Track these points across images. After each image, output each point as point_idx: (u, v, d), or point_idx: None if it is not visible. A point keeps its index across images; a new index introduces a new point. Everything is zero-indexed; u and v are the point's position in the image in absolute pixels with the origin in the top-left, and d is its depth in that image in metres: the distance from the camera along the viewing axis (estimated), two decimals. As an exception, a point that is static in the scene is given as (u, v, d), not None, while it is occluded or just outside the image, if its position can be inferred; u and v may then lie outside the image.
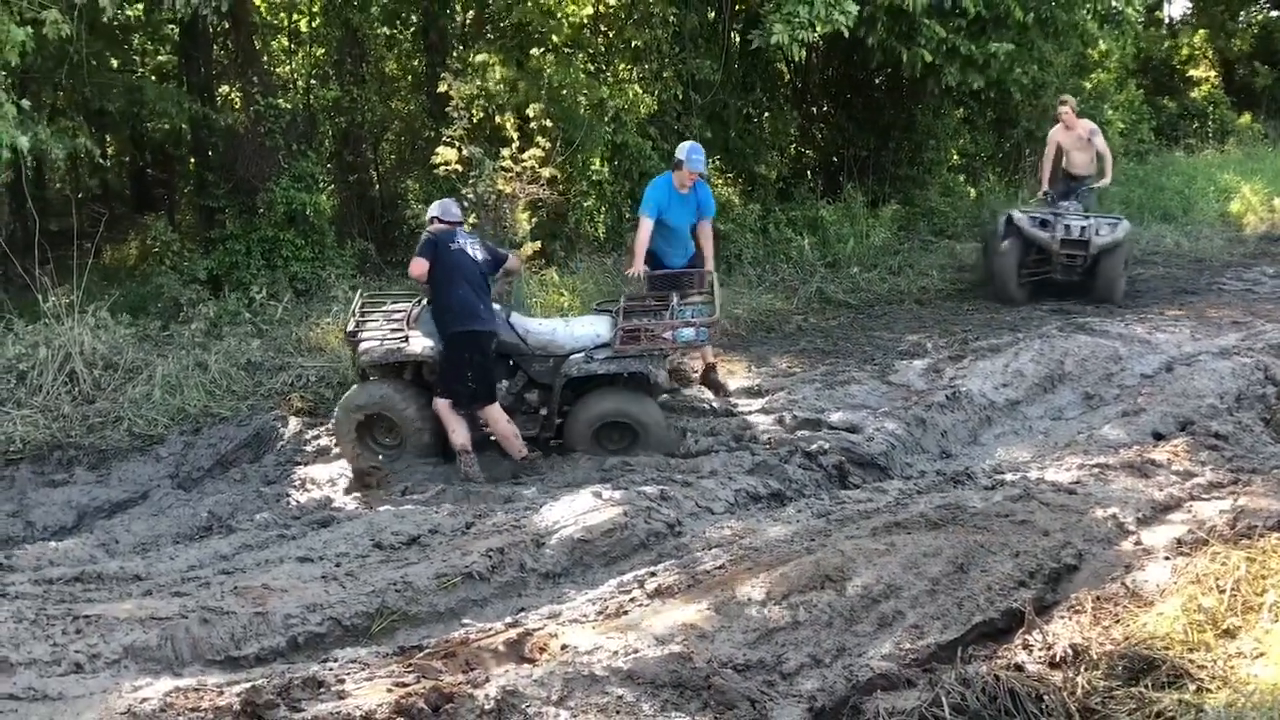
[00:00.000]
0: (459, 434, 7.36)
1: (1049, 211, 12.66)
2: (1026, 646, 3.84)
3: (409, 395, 7.63)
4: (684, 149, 8.97)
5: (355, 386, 7.93)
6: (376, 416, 7.72)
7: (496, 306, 7.70)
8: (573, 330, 7.75)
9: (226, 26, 14.48)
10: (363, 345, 7.72)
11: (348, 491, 7.30)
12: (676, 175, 8.94)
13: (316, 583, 5.15)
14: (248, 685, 3.86)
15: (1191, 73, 27.55)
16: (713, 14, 15.87)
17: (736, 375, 9.83)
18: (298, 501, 7.12)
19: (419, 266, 7.36)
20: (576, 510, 5.93)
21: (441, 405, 7.37)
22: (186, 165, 16.00)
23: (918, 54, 13.51)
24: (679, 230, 9.13)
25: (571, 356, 7.54)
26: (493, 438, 7.60)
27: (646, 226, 8.88)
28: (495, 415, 7.43)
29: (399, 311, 7.92)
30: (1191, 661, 3.46)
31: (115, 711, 3.72)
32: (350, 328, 7.94)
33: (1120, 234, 12.40)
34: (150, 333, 10.34)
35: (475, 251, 7.51)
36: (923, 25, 13.29)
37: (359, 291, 8.72)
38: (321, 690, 3.82)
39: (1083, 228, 12.32)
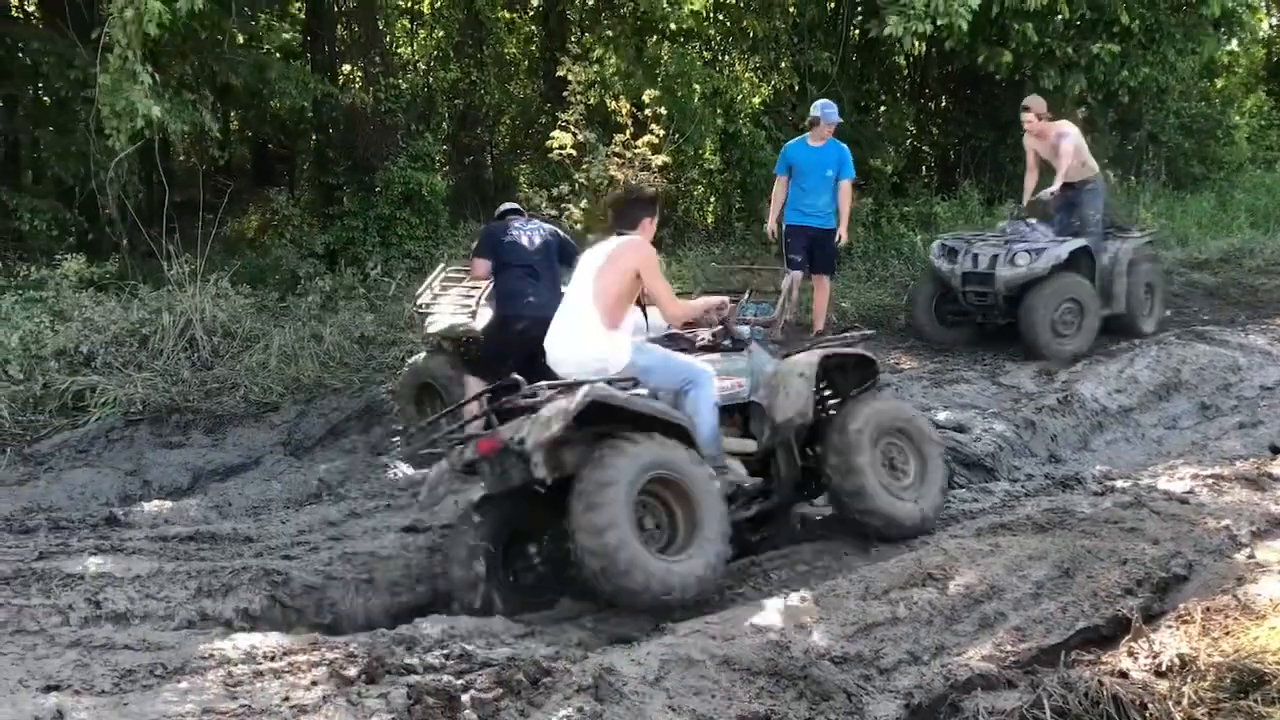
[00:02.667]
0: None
1: (969, 236, 10.58)
2: (1132, 654, 3.77)
3: (460, 371, 7.56)
4: (818, 105, 10.01)
5: (421, 355, 8.06)
6: (432, 387, 7.81)
7: None
8: (639, 321, 7.74)
9: (351, 6, 14.75)
10: (431, 317, 7.84)
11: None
12: (813, 132, 9.97)
13: (420, 552, 5.25)
14: (364, 644, 3.97)
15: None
16: (832, 5, 15.75)
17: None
18: (405, 473, 7.24)
19: (478, 267, 7.43)
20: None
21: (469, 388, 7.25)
22: (308, 142, 16.32)
23: (999, 54, 13.30)
24: (812, 184, 9.91)
25: None
26: None
27: (780, 184, 10.02)
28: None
29: (476, 288, 7.92)
30: (1304, 678, 3.37)
31: (234, 661, 3.84)
32: (424, 299, 8.06)
33: (1044, 263, 9.64)
34: (268, 303, 10.60)
35: (533, 238, 7.36)
36: (1012, 28, 13.05)
37: (440, 265, 8.81)
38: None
39: (993, 257, 9.91)
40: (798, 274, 9.76)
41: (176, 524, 5.87)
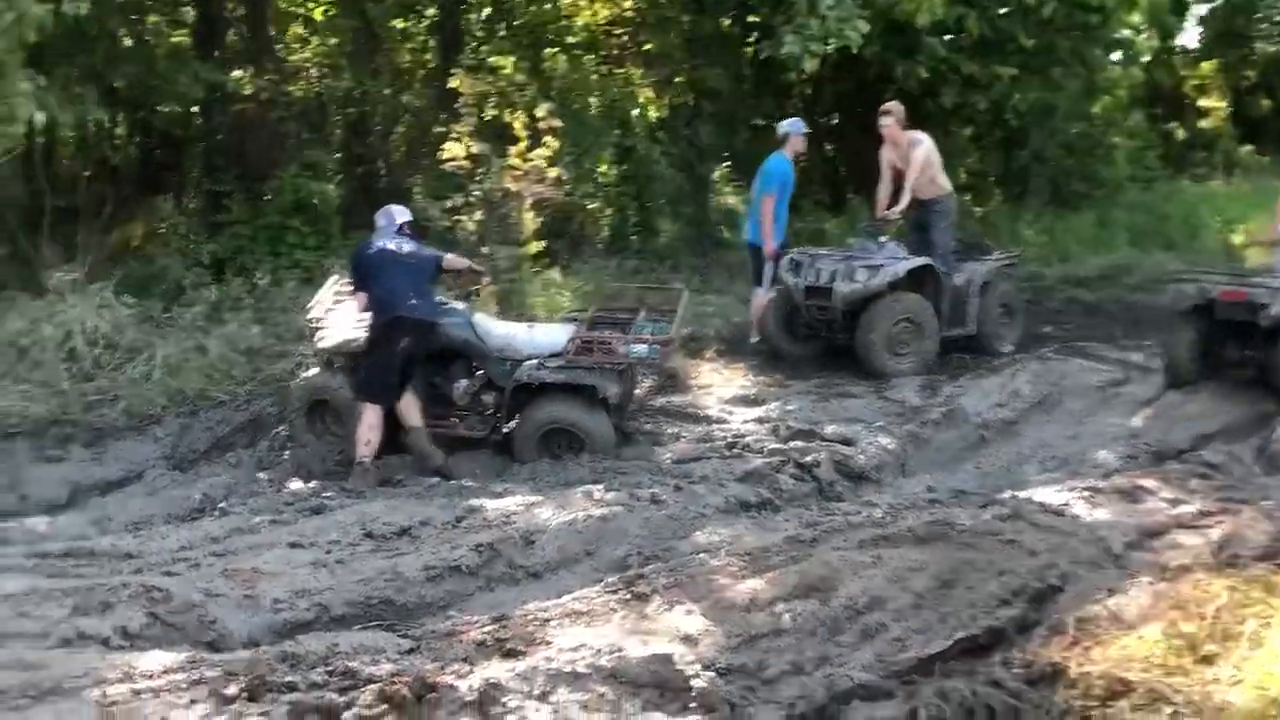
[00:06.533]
0: (366, 446, 7.28)
1: (814, 252, 10.61)
2: (1006, 663, 3.88)
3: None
4: (791, 123, 10.80)
5: (312, 371, 8.02)
6: (327, 403, 7.80)
7: (460, 305, 7.86)
8: (534, 336, 7.80)
9: (242, 12, 14.53)
10: (322, 331, 7.80)
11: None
12: (791, 148, 10.58)
13: (305, 569, 5.19)
14: (246, 661, 3.91)
15: (1201, 102, 27.56)
16: (727, 23, 15.91)
17: (732, 383, 9.87)
18: (291, 488, 7.15)
19: (359, 301, 7.51)
20: (568, 509, 5.98)
21: (365, 410, 7.34)
22: (196, 149, 16.02)
23: (914, 70, 13.58)
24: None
25: (526, 362, 7.59)
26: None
27: (771, 203, 10.50)
28: (372, 415, 7.31)
29: None
30: (1169, 685, 3.50)
31: (111, 681, 3.76)
32: (315, 313, 8.02)
33: (881, 280, 9.74)
34: (152, 314, 10.37)
35: (402, 247, 7.55)
36: (925, 43, 13.34)
37: (333, 277, 8.76)
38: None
39: (833, 273, 9.93)
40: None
41: (54, 540, 5.73)
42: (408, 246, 7.59)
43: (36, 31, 8.41)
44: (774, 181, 10.62)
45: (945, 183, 10.76)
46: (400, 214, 7.87)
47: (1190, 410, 8.43)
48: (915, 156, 10.31)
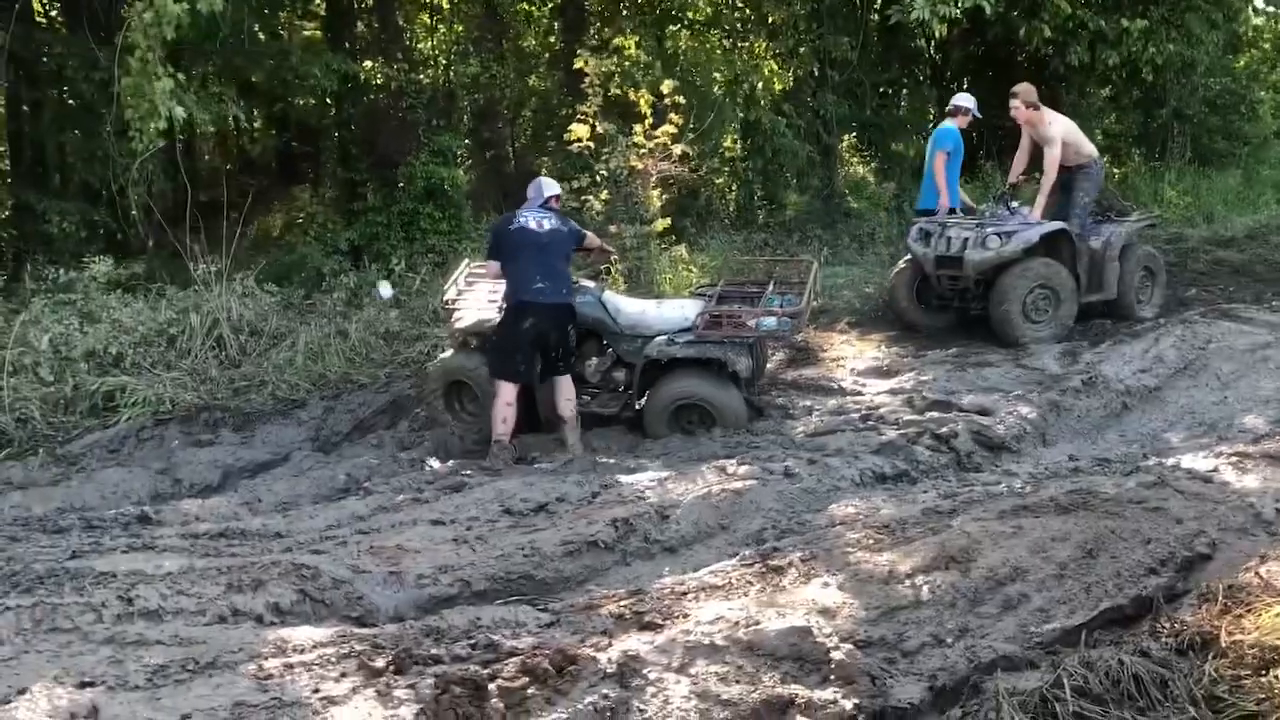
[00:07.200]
0: (503, 424, 7.36)
1: (945, 219, 10.21)
2: (1154, 633, 3.78)
3: None
4: (964, 97, 10.84)
5: (448, 352, 8.15)
6: (463, 384, 7.92)
7: (589, 284, 7.85)
8: (662, 312, 7.80)
9: (371, 2, 14.82)
10: (458, 313, 7.91)
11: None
12: (960, 120, 10.64)
13: (447, 545, 5.30)
14: (392, 635, 4.02)
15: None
16: (851, -11, 15.71)
17: (865, 355, 9.77)
18: (431, 467, 7.30)
19: (489, 269, 7.63)
20: (701, 484, 5.99)
21: (500, 389, 7.41)
22: (330, 139, 16.43)
23: (1037, 29, 13.22)
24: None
25: (656, 338, 7.60)
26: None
27: (943, 159, 10.54)
28: (507, 393, 7.39)
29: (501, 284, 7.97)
30: (1324, 655, 3.38)
31: (264, 655, 3.89)
32: (449, 295, 8.14)
33: (1014, 247, 9.52)
34: (294, 301, 10.69)
35: (542, 224, 7.52)
36: (1046, 1, 12.99)
37: (465, 261, 8.88)
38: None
39: (964, 240, 9.71)
40: None
41: (207, 521, 5.92)
42: (549, 224, 7.55)
43: (174, 30, 8.68)
44: (948, 140, 10.55)
45: (1090, 149, 10.45)
46: (550, 187, 7.87)
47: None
48: (1050, 136, 10.00)
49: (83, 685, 3.65)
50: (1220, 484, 5.51)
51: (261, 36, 13.35)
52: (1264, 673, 3.28)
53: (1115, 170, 17.47)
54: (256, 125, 16.06)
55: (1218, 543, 4.69)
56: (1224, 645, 3.48)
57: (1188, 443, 6.89)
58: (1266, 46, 20.46)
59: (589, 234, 8.06)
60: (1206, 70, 17.12)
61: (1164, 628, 3.79)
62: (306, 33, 15.78)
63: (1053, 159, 9.92)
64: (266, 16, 13.50)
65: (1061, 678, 3.34)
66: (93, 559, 4.91)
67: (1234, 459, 5.90)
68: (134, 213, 11.22)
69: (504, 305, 7.56)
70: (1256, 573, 4.18)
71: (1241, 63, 19.20)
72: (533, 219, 7.53)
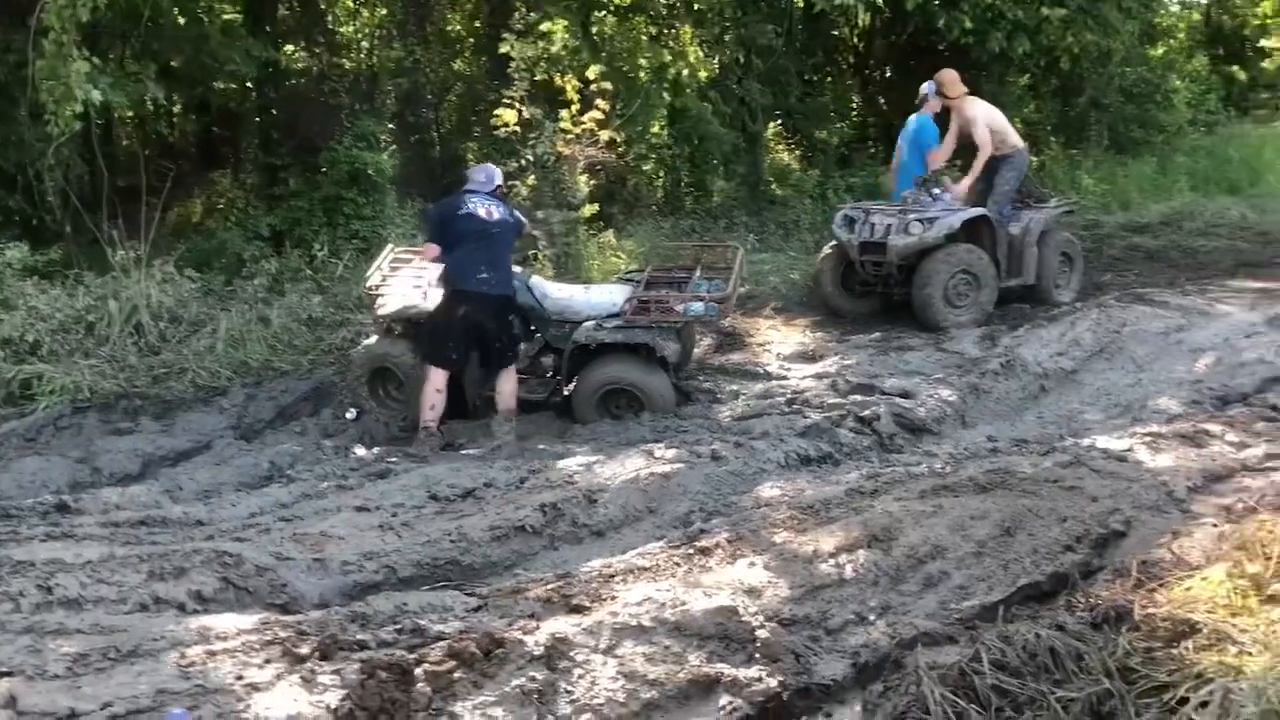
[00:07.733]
0: (430, 410, 7.34)
1: (869, 206, 10.57)
2: (1070, 608, 3.87)
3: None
4: (930, 85, 10.63)
5: (372, 339, 8.11)
6: (387, 370, 7.89)
7: (516, 269, 7.80)
8: (590, 297, 7.83)
9: (292, -14, 14.63)
10: (381, 299, 7.86)
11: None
12: (930, 108, 10.56)
13: (372, 532, 5.28)
14: (317, 621, 4.00)
15: (1263, 42, 26.94)
16: (776, -24, 15.78)
17: (790, 340, 9.86)
18: (355, 453, 7.25)
19: (428, 250, 7.53)
20: (629, 468, 6.02)
21: (429, 375, 7.39)
22: (251, 124, 16.19)
23: (957, 19, 13.40)
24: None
25: (584, 324, 7.61)
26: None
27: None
28: (437, 379, 7.37)
29: (425, 269, 7.95)
30: (1234, 625, 3.47)
31: (187, 643, 3.86)
32: (373, 281, 8.09)
33: (936, 233, 9.76)
34: (214, 287, 10.52)
35: (491, 213, 7.44)
36: None
37: (389, 246, 8.83)
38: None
39: (887, 226, 9.88)
40: None
41: (127, 509, 5.84)
42: (498, 213, 7.47)
43: (90, 11, 8.51)
44: (932, 138, 10.59)
45: (1016, 140, 10.71)
46: (498, 175, 7.80)
47: (1255, 355, 8.30)
48: (975, 119, 10.29)
49: (0, 675, 3.59)
50: (1134, 463, 5.65)
51: (181, 20, 13.12)
52: (1176, 645, 3.37)
53: (1034, 158, 17.71)
54: (175, 110, 15.75)
55: (1132, 520, 4.80)
56: (1138, 619, 3.57)
57: (1103, 424, 7.05)
58: (1181, 36, 20.88)
59: (526, 221, 8.05)
60: (1123, 60, 17.43)
61: (1080, 602, 3.89)
62: (227, 17, 15.52)
63: (983, 139, 10.15)
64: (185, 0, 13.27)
65: (980, 652, 3.41)
66: (10, 548, 4.83)
67: (1148, 439, 6.04)
68: (50, 198, 10.96)
69: (431, 290, 7.52)
70: (1169, 548, 4.30)
71: (1158, 53, 19.57)
72: (481, 206, 7.44)
